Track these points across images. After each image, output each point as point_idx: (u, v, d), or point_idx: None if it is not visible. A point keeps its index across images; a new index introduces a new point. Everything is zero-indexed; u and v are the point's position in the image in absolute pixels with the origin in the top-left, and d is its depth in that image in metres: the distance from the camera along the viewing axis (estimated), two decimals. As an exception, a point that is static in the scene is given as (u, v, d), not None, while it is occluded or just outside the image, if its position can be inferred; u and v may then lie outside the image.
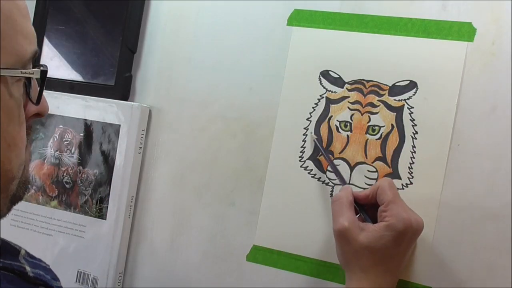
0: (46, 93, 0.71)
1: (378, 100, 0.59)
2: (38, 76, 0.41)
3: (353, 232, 0.51)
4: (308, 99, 0.62)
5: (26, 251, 0.43)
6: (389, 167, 0.58)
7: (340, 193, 0.55)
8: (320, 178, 0.61)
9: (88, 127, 0.69)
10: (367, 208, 0.55)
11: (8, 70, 0.37)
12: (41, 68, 0.41)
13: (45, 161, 0.72)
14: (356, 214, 0.55)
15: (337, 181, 0.60)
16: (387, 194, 0.52)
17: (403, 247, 0.52)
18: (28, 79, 0.40)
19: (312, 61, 0.62)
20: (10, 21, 0.38)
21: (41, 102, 0.44)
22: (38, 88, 0.42)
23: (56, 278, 0.45)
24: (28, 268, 0.41)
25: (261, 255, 0.63)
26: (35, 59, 0.41)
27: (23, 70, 0.39)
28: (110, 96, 0.69)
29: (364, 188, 0.59)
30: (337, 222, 0.53)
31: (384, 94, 0.59)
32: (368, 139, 0.59)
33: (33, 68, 0.41)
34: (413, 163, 0.57)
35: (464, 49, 0.56)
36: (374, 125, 0.59)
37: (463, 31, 0.56)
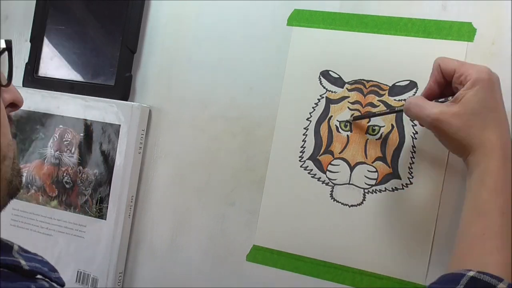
0: (46, 93, 0.72)
1: (378, 100, 0.59)
2: (4, 45, 0.40)
3: (447, 110, 0.48)
4: (308, 99, 0.62)
5: (19, 246, 0.42)
6: (389, 167, 0.58)
7: (407, 100, 0.52)
8: (320, 178, 0.61)
9: (88, 127, 0.69)
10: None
11: None
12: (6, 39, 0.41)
13: (45, 161, 0.72)
14: None
15: (337, 181, 0.60)
16: (451, 62, 0.50)
17: (498, 95, 0.48)
18: None
19: (312, 61, 0.62)
20: None
21: (15, 91, 0.43)
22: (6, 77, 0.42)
23: (53, 270, 0.45)
24: (23, 262, 0.40)
25: (261, 255, 0.63)
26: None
27: None
28: (110, 96, 0.69)
29: (364, 188, 0.59)
30: (427, 116, 0.49)
31: (384, 94, 0.59)
32: (368, 139, 0.59)
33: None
34: (413, 163, 0.57)
35: (464, 49, 0.56)
36: (374, 125, 0.59)
37: (463, 31, 0.56)
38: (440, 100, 0.51)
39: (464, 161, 0.50)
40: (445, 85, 0.52)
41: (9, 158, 0.41)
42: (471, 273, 0.43)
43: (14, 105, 0.45)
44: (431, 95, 0.52)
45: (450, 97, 0.50)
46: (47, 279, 0.42)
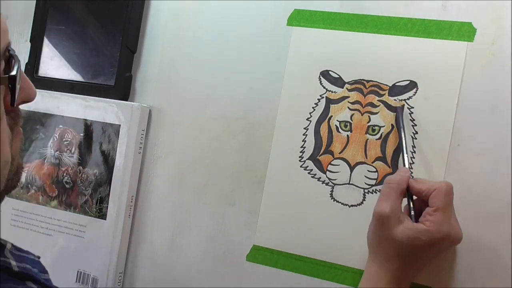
0: (46, 93, 0.72)
1: (378, 100, 0.59)
2: (6, 82, 0.39)
3: (392, 221, 0.51)
4: (308, 99, 0.62)
5: (12, 244, 0.42)
6: (389, 167, 0.58)
7: (395, 176, 0.54)
8: (320, 178, 0.61)
9: (88, 127, 0.69)
10: (416, 198, 0.54)
11: None
12: (10, 73, 0.39)
13: (45, 161, 0.72)
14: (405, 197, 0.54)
15: (337, 181, 0.60)
16: (440, 200, 0.50)
17: (432, 254, 0.52)
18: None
19: (312, 61, 0.62)
20: None
21: (26, 88, 0.42)
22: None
23: (44, 271, 0.45)
24: (13, 263, 0.40)
25: (261, 255, 0.63)
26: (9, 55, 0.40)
27: None
28: (110, 96, 0.69)
29: (364, 188, 0.59)
30: (380, 205, 0.52)
31: (384, 94, 0.59)
32: (368, 139, 0.59)
33: (6, 64, 0.39)
34: (413, 163, 0.57)
35: (464, 49, 0.56)
36: (374, 125, 0.59)
37: (463, 31, 0.56)
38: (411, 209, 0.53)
39: (369, 257, 0.54)
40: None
41: (4, 176, 0.40)
42: None
43: (24, 101, 0.44)
44: (416, 193, 0.54)
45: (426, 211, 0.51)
46: (36, 282, 0.42)
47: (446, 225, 0.50)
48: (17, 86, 0.40)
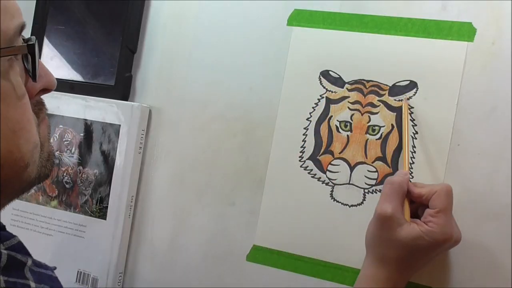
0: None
1: (378, 100, 0.59)
2: (26, 51, 0.37)
3: (394, 222, 0.51)
4: (308, 99, 0.62)
5: (32, 260, 0.40)
6: (389, 167, 0.58)
7: (396, 177, 0.54)
8: (320, 178, 0.61)
9: (88, 127, 0.69)
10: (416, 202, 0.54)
11: None
12: (28, 42, 0.37)
13: (45, 161, 0.72)
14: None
15: (337, 181, 0.60)
16: (442, 202, 0.51)
17: (432, 255, 0.52)
18: (26, 55, 0.37)
19: (312, 61, 0.62)
20: None
21: (45, 76, 0.41)
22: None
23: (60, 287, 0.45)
24: (32, 285, 0.39)
25: (261, 255, 0.62)
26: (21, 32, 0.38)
27: (5, 49, 0.35)
28: (110, 96, 0.69)
29: (364, 188, 0.59)
30: (381, 206, 0.52)
31: (384, 94, 0.59)
32: (368, 139, 0.59)
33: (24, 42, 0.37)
34: (413, 163, 0.57)
35: (464, 49, 0.56)
36: (374, 125, 0.59)
37: (463, 31, 0.56)
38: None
39: (366, 257, 0.54)
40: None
41: (32, 163, 0.39)
42: None
43: (46, 90, 0.42)
44: (415, 197, 0.54)
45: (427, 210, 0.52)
46: None
47: (449, 227, 0.50)
48: (37, 59, 0.38)
